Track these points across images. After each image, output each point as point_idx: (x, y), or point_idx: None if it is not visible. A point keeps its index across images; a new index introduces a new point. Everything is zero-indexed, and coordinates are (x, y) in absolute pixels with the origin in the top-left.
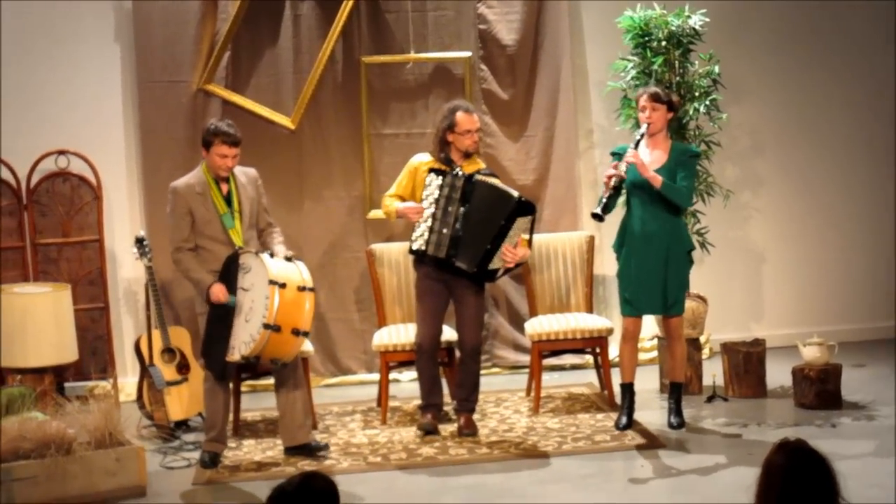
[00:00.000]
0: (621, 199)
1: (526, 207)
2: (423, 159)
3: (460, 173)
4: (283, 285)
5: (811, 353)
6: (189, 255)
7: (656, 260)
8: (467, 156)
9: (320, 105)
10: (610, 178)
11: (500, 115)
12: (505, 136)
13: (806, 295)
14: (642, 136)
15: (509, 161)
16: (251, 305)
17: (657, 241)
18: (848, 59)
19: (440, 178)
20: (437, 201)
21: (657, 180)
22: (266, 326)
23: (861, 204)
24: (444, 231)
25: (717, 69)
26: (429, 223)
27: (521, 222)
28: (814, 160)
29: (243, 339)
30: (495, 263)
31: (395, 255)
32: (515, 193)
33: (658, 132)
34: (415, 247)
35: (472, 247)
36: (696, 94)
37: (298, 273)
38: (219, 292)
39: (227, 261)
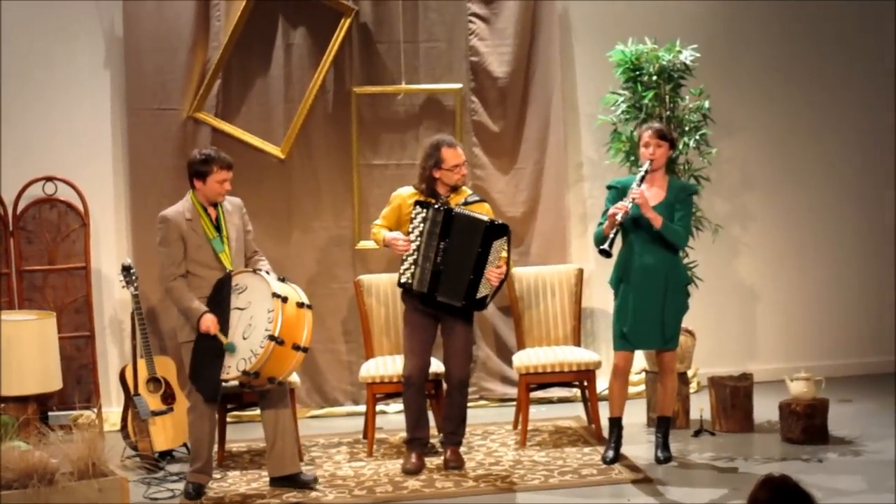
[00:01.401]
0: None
1: (498, 229)
2: (406, 191)
3: (440, 207)
4: (285, 299)
5: (798, 388)
6: (181, 282)
7: (655, 294)
8: (454, 188)
9: (310, 135)
10: (614, 215)
11: (490, 148)
12: (495, 168)
13: (794, 330)
14: (647, 172)
15: (499, 193)
16: (250, 322)
17: (656, 276)
18: (838, 96)
19: (424, 211)
20: (421, 234)
21: (658, 221)
22: (271, 338)
23: (850, 239)
24: (427, 266)
25: (707, 104)
26: (414, 256)
27: (498, 244)
28: (803, 196)
29: (242, 356)
30: (482, 290)
31: (383, 286)
32: (485, 218)
33: (658, 168)
34: (402, 280)
35: (455, 280)
36: (687, 128)
37: (295, 291)
38: (210, 323)
39: (218, 284)
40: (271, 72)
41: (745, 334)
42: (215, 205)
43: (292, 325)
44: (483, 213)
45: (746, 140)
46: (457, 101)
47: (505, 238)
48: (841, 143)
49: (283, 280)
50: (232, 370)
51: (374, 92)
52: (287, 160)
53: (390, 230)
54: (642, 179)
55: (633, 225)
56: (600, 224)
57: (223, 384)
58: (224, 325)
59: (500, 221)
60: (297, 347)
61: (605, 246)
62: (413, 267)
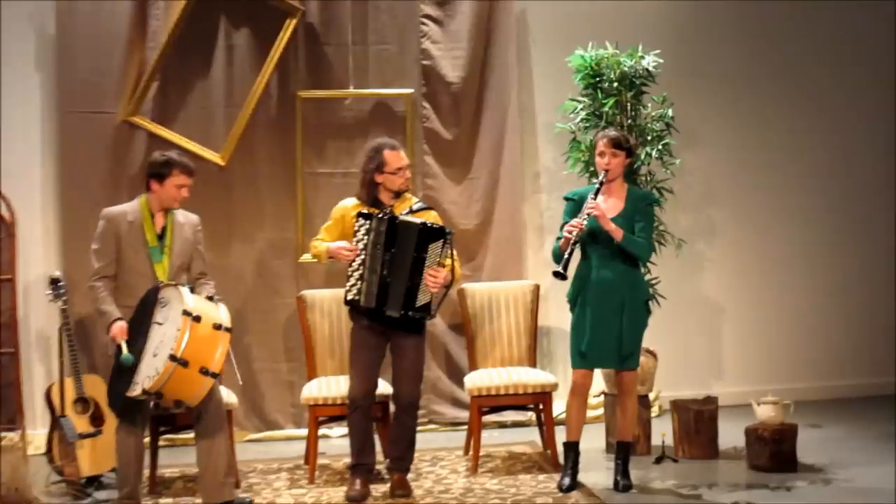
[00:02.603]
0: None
1: (433, 232)
2: (350, 203)
3: (384, 216)
4: (197, 318)
5: (766, 412)
6: (106, 283)
7: (612, 310)
8: (397, 195)
9: (253, 141)
10: (571, 232)
11: (442, 156)
12: (447, 178)
13: (761, 351)
14: (601, 184)
15: (451, 204)
16: (162, 339)
17: (614, 291)
18: (808, 105)
19: (367, 222)
20: (365, 248)
21: (618, 234)
22: (172, 358)
23: (818, 256)
24: (373, 279)
25: (670, 112)
26: (360, 271)
27: (435, 247)
28: (770, 209)
29: (147, 374)
30: (423, 298)
31: (327, 301)
32: (418, 221)
33: (615, 178)
34: (349, 297)
35: (396, 289)
36: (649, 137)
37: (218, 312)
38: (117, 331)
39: (145, 295)
40: (212, 74)
41: (709, 355)
42: (164, 214)
43: (201, 347)
44: (429, 220)
45: (711, 150)
46: (407, 107)
47: (442, 241)
48: (810, 154)
49: (211, 298)
50: (137, 387)
51: (321, 96)
52: (227, 167)
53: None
54: (598, 191)
55: (592, 238)
56: (558, 238)
57: (133, 400)
58: (143, 338)
59: (437, 224)
60: (204, 372)
61: (560, 268)
62: (359, 282)
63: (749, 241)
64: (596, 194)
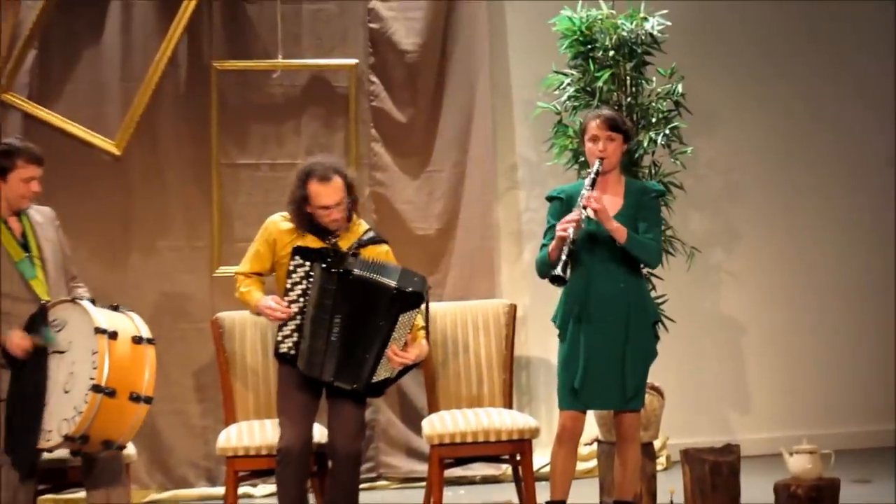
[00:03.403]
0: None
1: (409, 298)
2: (285, 226)
3: (332, 266)
4: (113, 335)
5: (800, 464)
6: None
7: (614, 335)
8: (348, 217)
9: (156, 124)
10: (564, 231)
11: (394, 144)
12: (401, 172)
13: (794, 387)
14: (598, 174)
15: (406, 204)
16: (71, 370)
17: (615, 310)
18: (855, 77)
19: (308, 265)
20: (304, 294)
21: (622, 233)
22: (96, 389)
23: (868, 270)
24: (317, 344)
25: (680, 88)
26: (297, 321)
27: (407, 317)
28: (805, 209)
29: (64, 416)
30: (381, 374)
31: (250, 326)
32: (392, 283)
33: (612, 169)
34: (282, 349)
35: (353, 362)
36: (653, 120)
37: (131, 322)
38: (19, 340)
39: (30, 322)
40: (105, 40)
41: (729, 392)
42: (18, 217)
43: (126, 367)
44: (381, 259)
45: (732, 136)
46: (351, 82)
47: (417, 309)
48: (860, 144)
49: (115, 308)
50: (53, 436)
51: (242, 68)
52: (124, 157)
53: (261, 280)
54: (594, 182)
55: (586, 242)
56: (544, 245)
57: (42, 454)
58: (40, 375)
59: (411, 289)
60: (135, 398)
61: (558, 270)
62: (297, 335)
63: (779, 250)
64: (592, 185)
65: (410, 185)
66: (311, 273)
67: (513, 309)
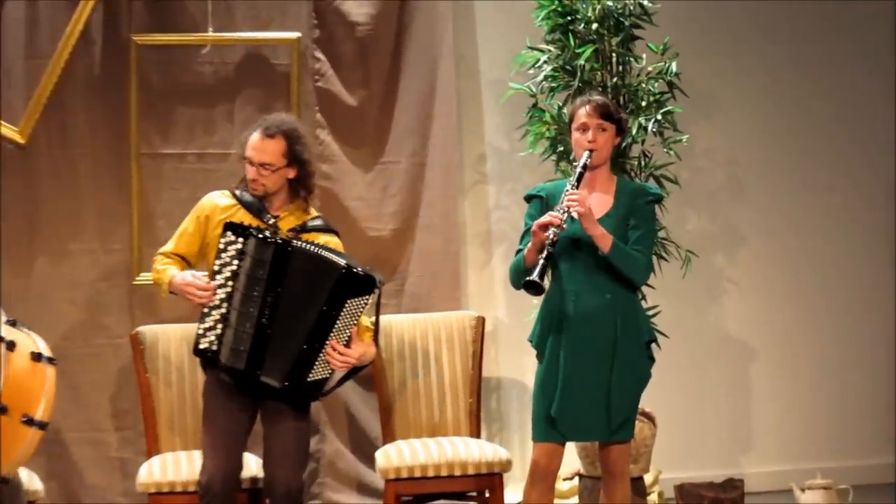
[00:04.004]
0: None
1: (360, 282)
2: (221, 202)
3: (269, 236)
4: (11, 344)
5: (813, 500)
6: None
7: (599, 356)
8: (294, 199)
9: (66, 109)
10: (541, 230)
11: (343, 131)
12: (351, 163)
13: (806, 414)
14: (585, 168)
15: (357, 201)
16: None
17: (601, 328)
18: (877, 55)
19: (240, 240)
20: (234, 276)
21: (606, 241)
22: None
23: (893, 274)
24: (246, 328)
25: (674, 67)
26: (223, 310)
27: (355, 305)
28: (818, 208)
29: None
30: (318, 372)
31: (174, 342)
32: (341, 261)
33: (601, 164)
34: (201, 346)
35: (286, 354)
36: (643, 103)
37: (30, 338)
38: None
39: None
40: (6, 12)
41: (731, 420)
42: None
43: (23, 386)
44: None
45: (735, 123)
46: (293, 59)
47: (368, 297)
48: (877, 127)
49: (12, 323)
50: None
51: (166, 43)
52: (29, 146)
53: (185, 266)
54: (580, 178)
55: (568, 247)
56: (519, 251)
57: None
58: None
59: (364, 269)
60: (29, 421)
61: (534, 276)
62: (221, 326)
63: (789, 255)
64: (578, 182)
65: (362, 179)
66: (245, 252)
67: (481, 322)
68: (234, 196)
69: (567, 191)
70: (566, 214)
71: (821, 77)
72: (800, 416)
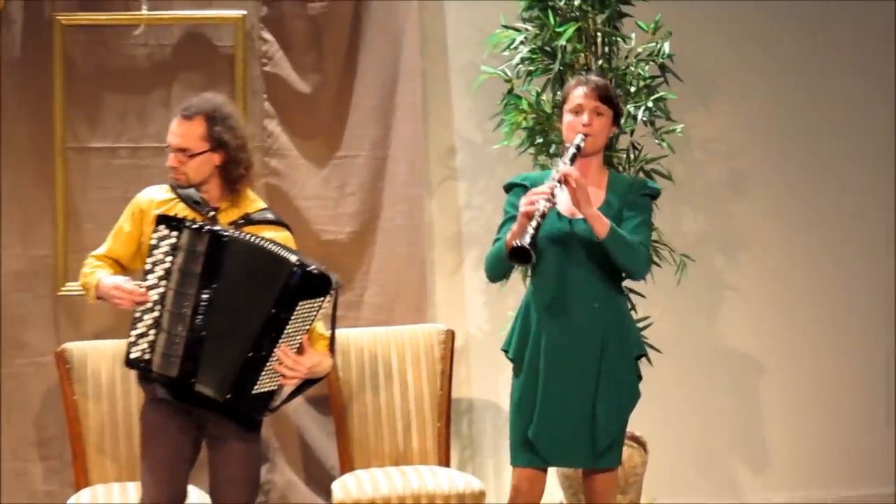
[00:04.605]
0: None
1: (314, 281)
2: (158, 196)
3: (202, 225)
4: None
5: None
6: None
7: (583, 371)
8: (230, 188)
9: None
10: (533, 203)
11: (295, 121)
12: (303, 158)
13: (817, 437)
14: (579, 149)
15: (310, 200)
16: None
17: (586, 339)
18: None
19: (174, 234)
20: (168, 275)
21: (603, 225)
22: None
23: None
24: (178, 331)
25: (667, 48)
26: (156, 313)
27: (308, 308)
28: (829, 206)
29: None
30: (265, 383)
31: (106, 360)
32: (292, 257)
33: (594, 152)
34: (132, 355)
35: (224, 358)
36: (633, 89)
37: None
38: None
39: None
40: None
41: (734, 444)
42: None
43: None
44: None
45: (734, 111)
46: (238, 40)
47: (322, 299)
48: (890, 114)
49: None
50: None
51: (95, 22)
52: None
53: (119, 270)
54: (574, 158)
55: (552, 247)
56: (498, 240)
57: None
58: None
59: (319, 267)
60: None
61: (526, 241)
62: (153, 332)
63: (796, 258)
64: (572, 161)
65: (316, 176)
66: (178, 246)
67: (450, 336)
68: (173, 189)
69: (558, 167)
70: (555, 188)
71: (833, 57)
72: (811, 439)
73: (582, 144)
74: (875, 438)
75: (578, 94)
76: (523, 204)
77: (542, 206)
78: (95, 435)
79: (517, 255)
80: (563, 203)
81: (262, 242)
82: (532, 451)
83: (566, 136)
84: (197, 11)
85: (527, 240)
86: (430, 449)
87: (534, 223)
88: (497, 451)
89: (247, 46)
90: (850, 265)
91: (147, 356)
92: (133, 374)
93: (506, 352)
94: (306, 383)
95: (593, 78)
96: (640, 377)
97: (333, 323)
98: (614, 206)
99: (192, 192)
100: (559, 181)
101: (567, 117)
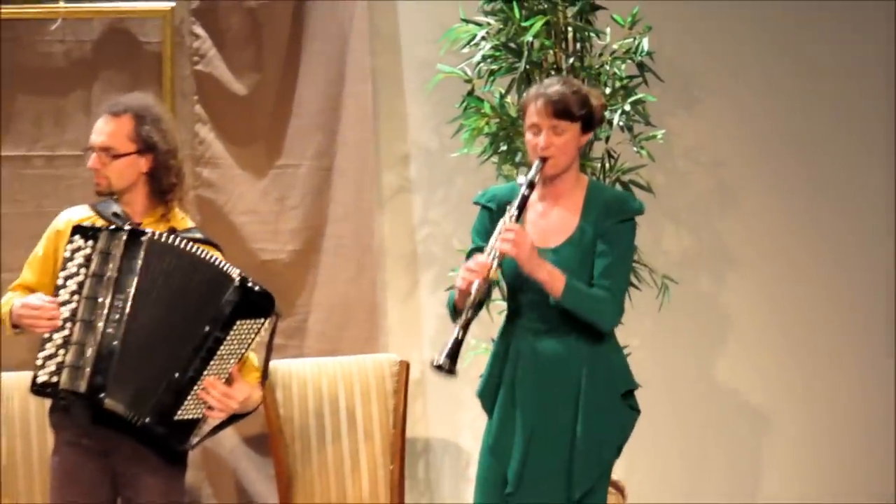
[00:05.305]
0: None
1: (257, 299)
2: (76, 215)
3: (122, 227)
4: None
5: None
6: None
7: (561, 408)
8: (159, 199)
9: None
10: (469, 283)
11: (230, 127)
12: (239, 167)
13: (815, 483)
14: (533, 182)
15: (247, 215)
16: None
17: (563, 373)
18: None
19: (89, 243)
20: (79, 289)
21: (556, 285)
22: None
23: None
24: (88, 340)
25: (646, 44)
26: (66, 331)
27: (246, 329)
28: (827, 220)
29: None
30: (189, 409)
31: (20, 393)
32: (235, 273)
33: (561, 172)
34: (40, 379)
35: (141, 374)
36: (608, 90)
37: None
38: None
39: None
40: None
41: (725, 488)
42: None
43: None
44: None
45: (721, 115)
46: (165, 36)
47: (263, 321)
48: (887, 118)
49: None
50: None
51: (6, 17)
52: None
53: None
54: (522, 208)
55: (526, 278)
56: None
57: None
58: None
59: (259, 286)
60: None
61: (443, 358)
62: (62, 353)
63: (791, 279)
64: (521, 206)
65: (253, 188)
66: (92, 256)
67: (404, 368)
68: (93, 208)
69: (504, 221)
70: (495, 261)
71: (829, 57)
72: (814, 481)
73: (536, 176)
74: (880, 486)
75: (532, 109)
76: (459, 278)
77: (478, 289)
78: (9, 475)
79: (442, 370)
80: (533, 233)
81: (197, 250)
82: (499, 495)
83: (529, 155)
84: (120, 4)
85: (442, 356)
86: (382, 494)
87: (462, 320)
88: (458, 496)
89: (176, 43)
90: (849, 286)
91: (55, 379)
92: (43, 406)
93: (481, 397)
94: (233, 417)
95: (550, 90)
96: (637, 411)
97: (269, 351)
98: (588, 234)
99: (111, 204)
100: (502, 248)
101: (527, 135)
